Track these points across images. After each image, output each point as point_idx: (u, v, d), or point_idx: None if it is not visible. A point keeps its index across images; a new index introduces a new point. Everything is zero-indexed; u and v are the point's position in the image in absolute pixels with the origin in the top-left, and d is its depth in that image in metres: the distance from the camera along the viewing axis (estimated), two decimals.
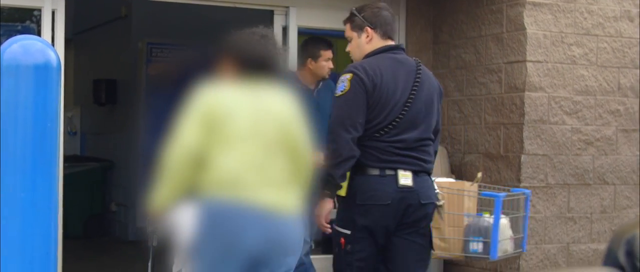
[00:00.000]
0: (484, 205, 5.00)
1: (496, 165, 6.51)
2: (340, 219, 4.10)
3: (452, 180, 5.48)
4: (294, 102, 3.51)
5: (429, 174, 4.17)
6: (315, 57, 5.75)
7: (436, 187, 4.35)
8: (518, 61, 6.36)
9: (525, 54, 6.31)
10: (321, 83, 5.88)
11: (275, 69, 3.52)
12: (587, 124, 6.50)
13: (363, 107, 3.99)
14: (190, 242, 3.39)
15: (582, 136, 6.48)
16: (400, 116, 4.04)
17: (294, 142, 3.46)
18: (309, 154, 3.51)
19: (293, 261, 3.47)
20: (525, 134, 6.29)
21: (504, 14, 6.48)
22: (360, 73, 4.02)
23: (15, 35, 3.69)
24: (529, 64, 6.30)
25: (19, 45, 3.41)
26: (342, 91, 4.02)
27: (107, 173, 10.13)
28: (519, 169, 6.21)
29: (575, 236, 6.42)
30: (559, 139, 6.40)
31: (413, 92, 4.08)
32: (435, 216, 4.31)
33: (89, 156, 10.78)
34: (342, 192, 4.09)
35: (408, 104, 4.05)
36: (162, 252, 3.72)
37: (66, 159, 6.54)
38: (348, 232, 4.06)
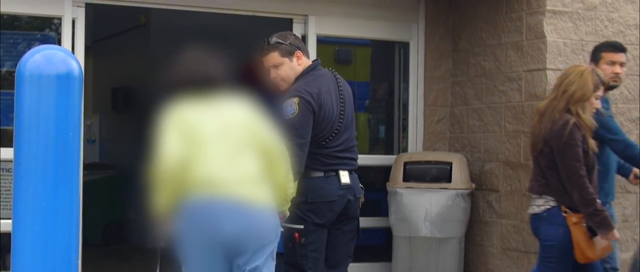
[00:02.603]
0: None
1: (516, 173, 6.47)
2: (292, 216, 4.51)
3: None
4: (253, 110, 3.87)
5: (356, 171, 4.79)
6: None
7: None
8: (538, 69, 6.33)
9: (545, 62, 6.28)
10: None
11: (217, 81, 3.86)
12: None
13: (310, 126, 4.52)
14: (175, 240, 3.73)
15: None
16: (340, 125, 4.63)
17: (262, 143, 3.81)
18: (281, 152, 3.88)
19: (268, 250, 3.80)
20: None
21: (523, 22, 6.45)
22: (306, 96, 4.51)
23: (35, 43, 3.72)
24: (549, 72, 6.27)
25: (42, 55, 3.41)
26: (292, 114, 4.48)
27: (125, 180, 10.15)
28: None
29: None
30: None
31: (341, 100, 4.67)
32: None
33: (107, 164, 10.81)
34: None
35: (342, 113, 4.65)
36: (170, 255, 3.93)
37: (85, 166, 6.55)
38: (301, 227, 4.58)
